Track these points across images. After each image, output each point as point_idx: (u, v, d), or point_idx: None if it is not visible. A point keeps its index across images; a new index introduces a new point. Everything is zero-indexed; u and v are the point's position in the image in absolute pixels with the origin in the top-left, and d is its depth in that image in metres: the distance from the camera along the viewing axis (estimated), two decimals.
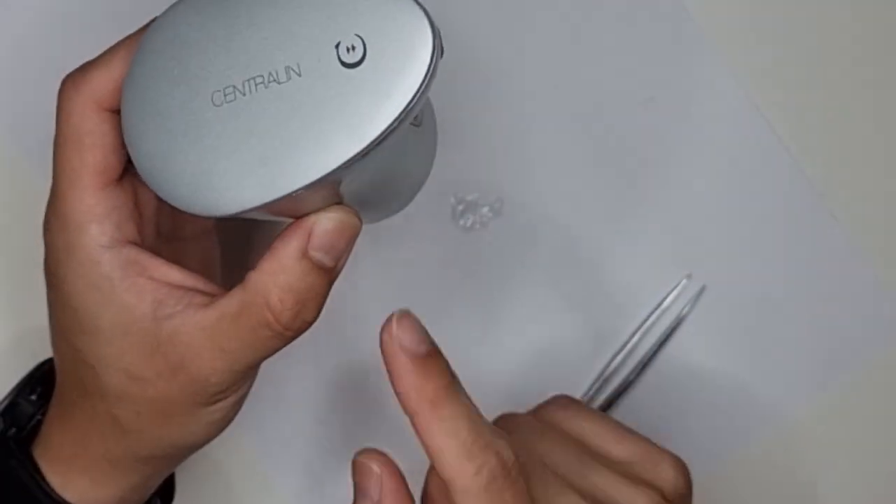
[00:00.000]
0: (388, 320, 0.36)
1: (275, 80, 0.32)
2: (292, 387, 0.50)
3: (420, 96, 0.31)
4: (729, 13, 0.50)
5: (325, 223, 0.35)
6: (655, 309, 0.50)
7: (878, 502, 0.50)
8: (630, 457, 0.42)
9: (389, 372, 0.36)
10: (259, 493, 0.51)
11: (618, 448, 0.42)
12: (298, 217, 0.35)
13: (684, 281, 0.50)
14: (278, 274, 0.35)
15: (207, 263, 0.44)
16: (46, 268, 0.38)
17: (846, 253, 0.50)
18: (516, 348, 0.50)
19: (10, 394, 0.44)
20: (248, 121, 0.32)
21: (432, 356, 0.36)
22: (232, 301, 0.36)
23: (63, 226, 0.37)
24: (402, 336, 0.36)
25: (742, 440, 0.50)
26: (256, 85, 0.32)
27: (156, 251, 0.38)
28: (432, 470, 0.38)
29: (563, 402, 0.45)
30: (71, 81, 0.36)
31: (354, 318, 0.49)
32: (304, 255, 0.35)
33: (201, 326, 0.36)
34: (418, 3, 0.31)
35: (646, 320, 0.50)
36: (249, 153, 0.32)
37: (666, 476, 0.42)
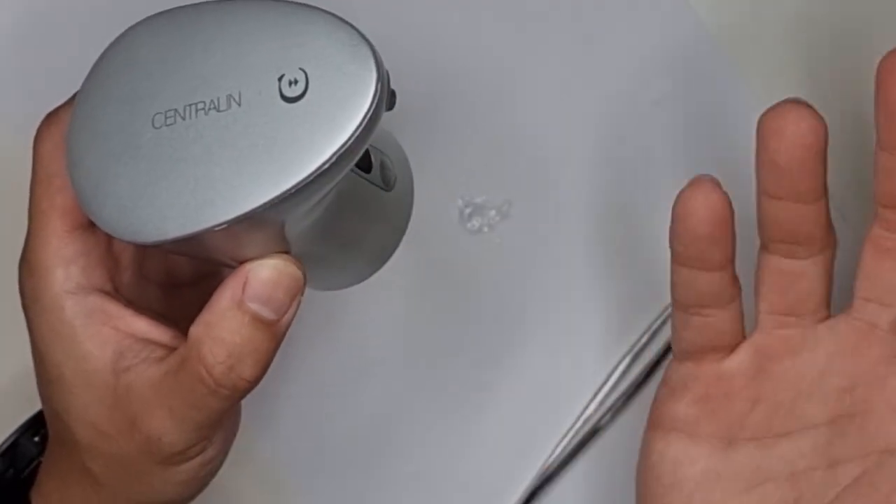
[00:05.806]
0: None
1: (215, 108, 0.31)
2: (298, 392, 0.51)
3: (357, 139, 0.30)
4: (736, 14, 0.50)
5: (261, 271, 0.33)
6: (666, 309, 0.50)
7: None
8: None
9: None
10: None
11: None
12: (241, 262, 0.33)
13: None
14: (213, 325, 0.33)
15: None
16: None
17: (854, 253, 0.49)
18: (526, 351, 0.51)
19: (12, 434, 0.43)
20: (182, 147, 0.31)
21: None
22: (177, 356, 0.34)
23: (30, 270, 0.35)
24: None
25: None
26: (197, 111, 0.31)
27: (138, 298, 0.37)
28: None
29: None
30: (44, 123, 0.36)
31: (358, 320, 0.50)
32: (240, 305, 0.33)
33: (151, 382, 0.34)
34: (369, 45, 0.30)
35: (655, 320, 0.50)
36: (178, 181, 0.31)
37: None
